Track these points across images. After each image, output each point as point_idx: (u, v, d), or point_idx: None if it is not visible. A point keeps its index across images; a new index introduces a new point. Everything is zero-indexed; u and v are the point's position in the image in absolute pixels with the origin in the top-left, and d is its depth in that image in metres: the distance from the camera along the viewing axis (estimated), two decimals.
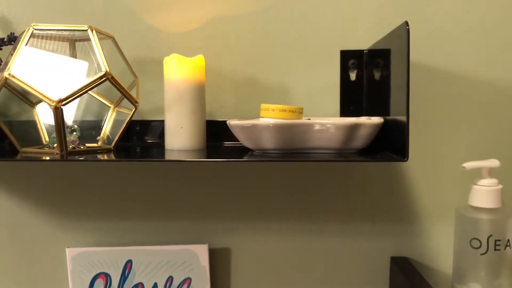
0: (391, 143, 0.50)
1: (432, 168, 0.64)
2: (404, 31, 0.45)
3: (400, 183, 0.65)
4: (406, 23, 0.44)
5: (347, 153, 0.51)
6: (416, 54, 0.63)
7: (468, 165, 0.60)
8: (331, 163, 0.65)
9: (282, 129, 0.48)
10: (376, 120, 0.49)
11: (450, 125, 0.64)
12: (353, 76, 0.63)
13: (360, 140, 0.50)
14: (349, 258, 0.66)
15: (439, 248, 0.65)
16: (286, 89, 0.65)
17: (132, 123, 0.63)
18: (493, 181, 0.60)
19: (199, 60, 0.57)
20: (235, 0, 0.64)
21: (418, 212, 0.65)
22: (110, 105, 0.63)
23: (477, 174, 0.61)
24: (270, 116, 0.55)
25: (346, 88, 0.63)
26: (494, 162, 0.61)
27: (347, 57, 0.63)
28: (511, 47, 0.63)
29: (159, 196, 0.67)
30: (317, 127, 0.48)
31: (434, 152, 0.64)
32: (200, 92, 0.57)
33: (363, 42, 0.63)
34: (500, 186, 0.60)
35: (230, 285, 0.67)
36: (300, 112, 0.57)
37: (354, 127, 0.49)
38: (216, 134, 0.62)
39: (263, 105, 0.56)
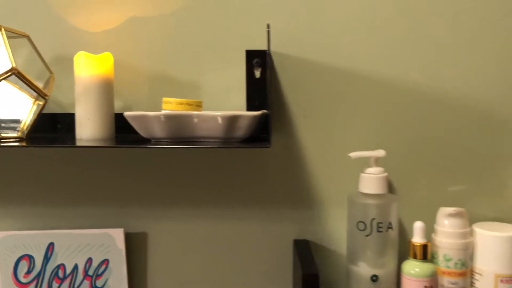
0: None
1: (329, 157, 0.70)
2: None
3: (302, 172, 0.71)
4: (268, 25, 0.50)
5: (232, 141, 0.56)
6: (308, 52, 0.68)
7: (354, 154, 0.66)
8: (236, 153, 0.70)
9: (168, 119, 0.54)
10: (254, 112, 0.55)
11: (343, 118, 0.70)
12: (257, 73, 0.69)
13: (242, 130, 0.55)
14: (256, 241, 0.72)
15: (337, 231, 0.71)
16: (197, 85, 0.70)
17: (53, 116, 0.68)
18: (379, 169, 0.66)
19: (106, 57, 0.62)
20: (149, 3, 0.69)
21: (318, 198, 0.71)
22: (31, 99, 0.67)
23: (366, 163, 0.67)
24: (168, 108, 0.61)
25: (251, 85, 0.69)
26: (379, 152, 0.67)
27: (251, 56, 0.68)
28: (396, 43, 0.69)
29: (80, 183, 0.72)
30: (198, 118, 0.54)
31: (330, 143, 0.70)
32: (106, 87, 0.62)
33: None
34: (385, 174, 0.66)
35: (147, 267, 0.73)
36: (197, 105, 0.62)
37: (234, 118, 0.54)
38: (128, 127, 0.67)
39: (164, 99, 0.62)
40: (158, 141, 0.57)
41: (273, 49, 0.69)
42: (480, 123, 0.70)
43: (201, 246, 0.72)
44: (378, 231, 0.64)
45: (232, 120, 0.54)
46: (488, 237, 0.65)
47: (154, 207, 0.72)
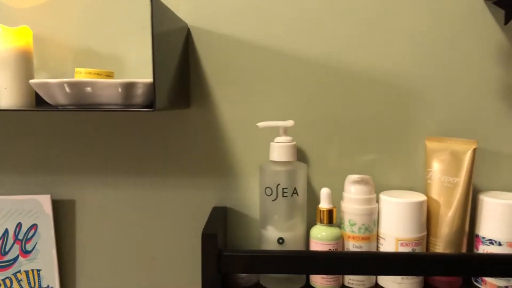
0: None
1: (247, 127, 0.73)
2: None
3: (220, 141, 0.74)
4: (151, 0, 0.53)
5: (132, 108, 0.60)
6: (224, 27, 0.72)
7: (261, 124, 0.69)
8: (157, 122, 0.74)
9: (70, 86, 0.57)
10: (148, 80, 0.58)
11: (259, 89, 0.73)
12: None
13: (140, 97, 0.59)
14: (178, 208, 0.75)
15: (252, 198, 0.74)
16: (120, 58, 0.73)
17: None
18: (287, 138, 0.69)
19: (23, 30, 0.66)
20: None
21: (236, 166, 0.74)
22: None
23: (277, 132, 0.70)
24: (78, 77, 0.64)
25: None
26: (288, 122, 0.70)
27: None
28: (309, 18, 0.72)
29: (8, 152, 0.76)
30: (97, 85, 0.57)
31: (248, 113, 0.73)
32: (24, 59, 0.65)
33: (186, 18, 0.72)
34: (292, 143, 0.69)
35: (75, 232, 0.77)
36: (107, 75, 0.66)
37: (130, 86, 0.57)
38: None
39: (76, 69, 0.65)
40: (64, 107, 0.61)
41: (192, 24, 0.72)
42: (389, 94, 0.73)
43: (125, 213, 0.76)
44: (284, 196, 0.68)
45: (128, 87, 0.57)
46: (389, 203, 0.69)
47: (81, 175, 0.76)
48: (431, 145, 0.71)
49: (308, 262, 0.61)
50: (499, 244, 0.67)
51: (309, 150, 0.74)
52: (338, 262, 0.61)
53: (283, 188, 0.68)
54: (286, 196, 0.68)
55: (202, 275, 0.61)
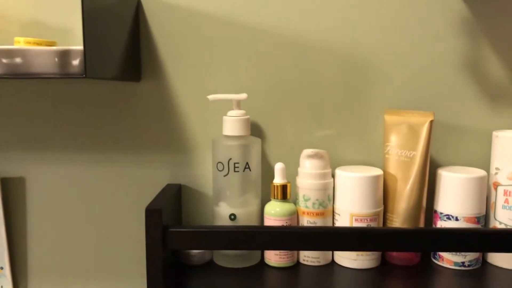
0: None
1: (200, 101, 0.71)
2: None
3: (174, 116, 0.72)
4: None
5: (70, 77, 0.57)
6: None
7: (212, 97, 0.67)
8: (105, 96, 0.71)
9: (4, 54, 0.55)
10: (80, 47, 0.55)
11: (213, 62, 0.71)
12: None
13: (79, 66, 0.56)
14: (130, 185, 0.73)
15: (206, 174, 0.72)
16: (70, 31, 0.71)
17: None
18: (240, 112, 0.67)
19: None
20: None
21: (189, 141, 0.72)
22: None
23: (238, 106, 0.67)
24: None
25: None
26: (240, 95, 0.67)
27: None
28: None
29: None
30: (31, 53, 0.54)
31: (202, 87, 0.71)
32: None
33: None
34: (245, 117, 0.67)
35: (26, 211, 0.74)
36: (48, 44, 0.63)
37: (64, 53, 0.55)
38: None
39: (15, 38, 0.62)
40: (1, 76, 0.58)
41: None
42: (346, 66, 0.70)
43: (76, 190, 0.74)
44: (235, 171, 0.66)
45: (63, 55, 0.55)
46: (344, 178, 0.67)
47: (30, 151, 0.73)
48: (389, 118, 0.69)
49: (256, 237, 0.59)
50: (456, 219, 0.65)
51: (265, 124, 0.72)
52: (286, 237, 0.59)
53: (234, 163, 0.65)
54: (238, 171, 0.66)
55: (147, 251, 0.59)
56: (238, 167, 0.65)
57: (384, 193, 0.69)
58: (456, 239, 0.59)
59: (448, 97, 0.71)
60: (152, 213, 0.59)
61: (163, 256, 0.60)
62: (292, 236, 0.59)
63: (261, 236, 0.59)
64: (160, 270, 0.59)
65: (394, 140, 0.68)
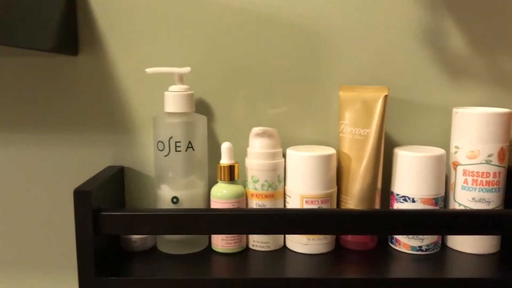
0: None
1: (143, 77, 0.66)
2: None
3: (114, 93, 0.67)
4: None
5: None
6: None
7: (150, 70, 0.62)
8: (40, 71, 0.66)
9: None
10: None
11: (156, 34, 0.66)
12: None
13: None
14: (69, 167, 0.68)
15: (150, 155, 0.68)
16: None
17: None
18: (182, 87, 0.62)
19: None
20: None
21: (132, 120, 0.67)
22: None
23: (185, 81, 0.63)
24: None
25: None
26: (183, 69, 0.63)
27: None
28: None
29: None
30: None
31: (143, 62, 0.66)
32: None
33: None
34: (188, 92, 0.62)
35: None
36: None
37: None
38: None
39: None
40: None
41: None
42: (300, 39, 0.66)
43: (9, 173, 0.69)
44: (177, 151, 0.61)
45: None
46: (294, 158, 0.63)
47: None
48: (344, 95, 0.65)
49: (195, 221, 0.55)
50: (413, 200, 0.62)
51: (213, 101, 0.67)
52: (226, 220, 0.55)
53: (176, 142, 0.61)
54: (180, 151, 0.61)
55: (76, 237, 0.55)
56: (179, 146, 0.61)
57: (339, 174, 0.65)
58: (410, 222, 0.56)
59: (407, 72, 0.66)
60: (80, 195, 0.54)
61: (96, 242, 0.56)
62: (232, 219, 0.55)
63: (200, 220, 0.55)
64: (91, 257, 0.55)
65: (348, 118, 0.64)
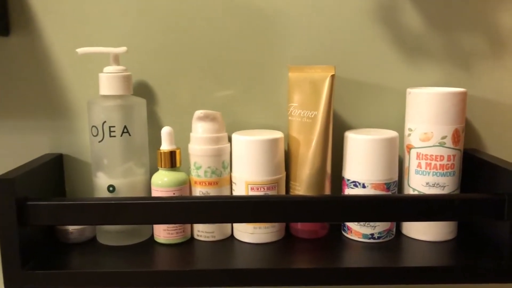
0: None
1: (79, 58, 0.62)
2: None
3: (51, 75, 0.63)
4: None
5: None
6: None
7: (82, 50, 0.58)
8: None
9: None
10: None
11: (90, 14, 0.62)
12: None
13: None
14: (6, 155, 0.64)
15: (87, 141, 0.64)
16: None
17: None
18: (118, 68, 0.59)
19: None
20: None
21: (70, 105, 0.64)
22: None
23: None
24: None
25: None
26: (118, 49, 0.59)
27: None
28: None
29: None
30: None
31: (79, 43, 0.62)
32: None
33: None
34: (124, 73, 0.59)
35: None
36: None
37: None
38: None
39: None
40: None
41: None
42: (248, 22, 0.62)
43: None
44: (111, 136, 0.58)
45: None
46: (238, 142, 0.59)
47: None
48: (292, 76, 0.61)
49: (127, 210, 0.52)
50: (363, 186, 0.59)
51: (155, 83, 0.64)
52: (160, 209, 0.52)
53: (109, 127, 0.57)
54: (114, 136, 0.57)
55: None
56: (114, 131, 0.57)
57: (288, 159, 0.61)
58: (355, 208, 0.53)
59: (359, 51, 0.63)
60: (2, 184, 0.51)
61: (23, 233, 0.52)
62: (163, 208, 0.51)
63: (129, 209, 0.51)
64: (16, 249, 0.52)
65: (297, 100, 0.61)
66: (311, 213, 0.53)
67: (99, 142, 0.58)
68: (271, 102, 0.64)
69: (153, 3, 0.62)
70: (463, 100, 0.58)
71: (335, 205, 0.53)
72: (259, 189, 0.58)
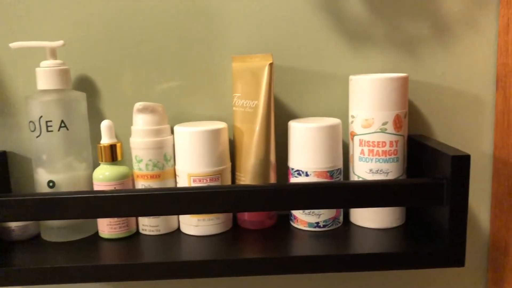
0: None
1: (22, 55, 0.61)
2: None
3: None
4: None
5: None
6: None
7: (15, 45, 0.57)
8: None
9: None
10: None
11: (30, 8, 0.61)
12: None
13: None
14: None
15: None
16: None
17: None
18: (55, 62, 0.58)
19: None
20: None
21: (9, 100, 0.63)
22: None
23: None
24: None
25: None
26: (54, 43, 0.58)
27: None
28: None
29: None
30: None
31: (14, 36, 0.61)
32: None
33: None
34: (61, 67, 0.58)
35: None
36: None
37: None
38: None
39: None
40: None
41: None
42: (190, 12, 0.61)
43: None
44: (48, 131, 0.57)
45: None
46: (180, 134, 0.59)
47: None
48: (236, 66, 0.61)
49: (60, 205, 0.51)
50: (307, 174, 0.58)
51: (96, 77, 0.63)
52: (94, 203, 0.51)
53: (46, 122, 0.56)
54: (52, 131, 0.57)
55: None
56: (51, 126, 0.56)
57: (234, 150, 0.61)
58: (298, 196, 0.52)
59: (302, 39, 0.62)
60: None
61: None
62: (97, 202, 0.51)
63: (69, 204, 0.51)
64: None
65: (240, 90, 0.60)
66: (247, 203, 0.52)
67: (37, 137, 0.57)
68: (217, 93, 0.64)
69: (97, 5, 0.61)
70: (403, 85, 0.58)
71: (261, 194, 0.52)
72: (202, 180, 0.58)
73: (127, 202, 0.51)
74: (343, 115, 0.61)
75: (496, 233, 0.65)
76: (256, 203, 0.53)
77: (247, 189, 0.52)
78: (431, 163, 0.57)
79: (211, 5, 0.61)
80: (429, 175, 0.58)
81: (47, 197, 0.51)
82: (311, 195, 0.51)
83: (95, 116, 0.62)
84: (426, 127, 0.65)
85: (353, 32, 0.62)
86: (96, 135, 0.61)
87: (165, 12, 0.61)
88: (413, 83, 0.63)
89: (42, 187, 0.58)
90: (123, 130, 0.62)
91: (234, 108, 0.61)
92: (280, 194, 0.52)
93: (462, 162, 0.51)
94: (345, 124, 0.60)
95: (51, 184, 0.57)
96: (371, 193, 0.52)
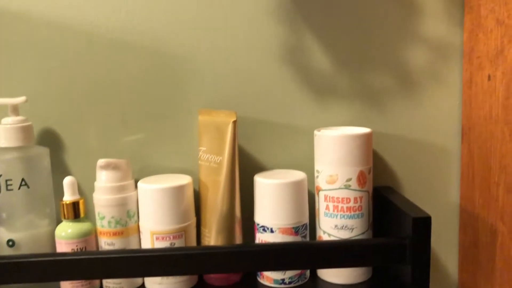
0: None
1: None
2: None
3: None
4: None
5: None
6: None
7: None
8: None
9: None
10: None
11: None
12: None
13: None
14: None
15: None
16: None
17: None
18: (16, 119, 0.57)
19: None
20: None
21: None
22: None
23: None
24: None
25: None
26: (18, 99, 0.58)
27: None
28: None
29: None
30: None
31: None
32: None
33: None
34: (23, 124, 0.57)
35: None
36: None
37: None
38: None
39: None
40: None
41: None
42: (157, 65, 0.62)
43: None
44: (8, 190, 0.56)
45: None
46: (143, 190, 0.58)
47: None
48: (202, 119, 0.61)
49: (16, 269, 0.50)
50: (271, 230, 0.58)
51: (60, 131, 0.62)
52: (48, 267, 0.50)
53: (6, 180, 0.56)
54: (12, 190, 0.56)
55: None
56: (11, 184, 0.56)
57: (199, 205, 0.60)
58: (256, 256, 0.51)
59: (269, 93, 0.63)
60: None
61: None
62: (57, 266, 0.50)
63: (28, 267, 0.50)
64: None
65: (205, 144, 0.60)
66: (204, 266, 0.51)
67: None
68: (184, 145, 0.63)
69: (53, 50, 0.60)
70: (367, 142, 0.58)
71: (218, 256, 0.51)
72: (165, 238, 0.57)
73: (87, 264, 0.50)
74: (310, 167, 0.61)
75: (463, 284, 0.65)
76: (213, 266, 0.52)
77: (206, 251, 0.51)
78: (395, 221, 0.57)
79: (176, 58, 0.61)
80: (392, 233, 0.57)
81: (5, 261, 0.49)
82: (271, 257, 0.51)
83: (59, 171, 0.62)
84: (393, 179, 0.65)
85: (318, 85, 0.63)
86: (60, 190, 0.60)
87: (130, 65, 0.61)
88: (379, 135, 0.63)
89: (1, 247, 0.57)
90: (88, 184, 0.61)
91: (199, 162, 0.60)
92: (234, 256, 0.51)
93: (422, 224, 0.51)
94: (312, 177, 0.60)
95: (10, 243, 0.56)
96: (333, 254, 0.51)
